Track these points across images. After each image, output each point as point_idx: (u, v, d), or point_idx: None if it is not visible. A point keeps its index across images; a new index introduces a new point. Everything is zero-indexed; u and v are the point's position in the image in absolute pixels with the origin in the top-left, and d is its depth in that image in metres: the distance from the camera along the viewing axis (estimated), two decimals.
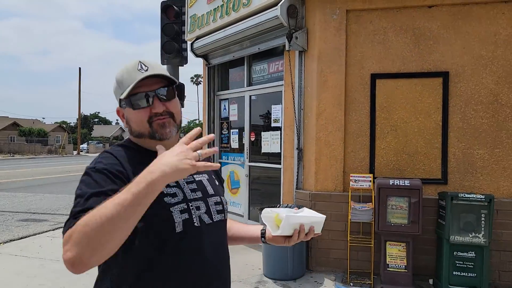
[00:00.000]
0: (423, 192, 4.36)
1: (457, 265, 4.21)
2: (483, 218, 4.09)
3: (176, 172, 0.97)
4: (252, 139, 6.30)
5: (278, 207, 1.52)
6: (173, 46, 8.66)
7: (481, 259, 4.15)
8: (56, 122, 63.17)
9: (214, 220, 1.30)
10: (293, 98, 5.22)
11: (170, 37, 8.68)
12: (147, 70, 1.22)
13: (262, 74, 6.21)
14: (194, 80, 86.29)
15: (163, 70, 1.27)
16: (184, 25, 8.27)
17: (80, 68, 43.21)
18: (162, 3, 8.69)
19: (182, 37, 8.78)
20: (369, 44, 4.85)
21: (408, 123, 4.79)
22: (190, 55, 7.41)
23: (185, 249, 1.20)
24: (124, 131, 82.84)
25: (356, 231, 4.76)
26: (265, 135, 6.04)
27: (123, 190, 0.97)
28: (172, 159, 0.99)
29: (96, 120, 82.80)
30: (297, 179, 5.23)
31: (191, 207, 1.24)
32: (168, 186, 1.21)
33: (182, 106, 6.01)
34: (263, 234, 1.49)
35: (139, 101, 1.22)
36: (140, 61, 1.24)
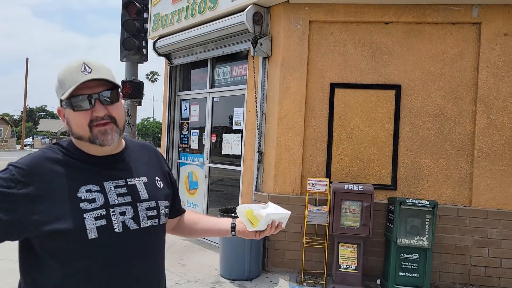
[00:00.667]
0: (375, 197, 4.63)
1: (403, 266, 4.51)
2: (427, 223, 4.42)
3: None
4: (213, 140, 6.35)
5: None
6: (133, 43, 8.51)
7: (424, 260, 4.48)
8: None
9: (142, 226, 1.25)
10: (256, 102, 5.34)
11: (131, 34, 8.53)
12: (90, 72, 1.18)
13: (225, 76, 6.29)
14: (150, 77, 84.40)
15: (108, 72, 1.23)
16: (146, 23, 8.18)
17: (27, 59, 40.95)
18: None
19: (143, 35, 8.66)
20: (330, 54, 5.09)
21: (363, 131, 5.07)
22: (151, 53, 7.34)
23: (100, 257, 1.17)
24: None
25: (311, 233, 4.96)
26: (226, 137, 6.12)
27: None
28: None
29: (42, 113, 78.63)
30: (256, 181, 5.36)
31: (112, 213, 1.20)
32: (89, 191, 1.19)
33: (140, 104, 6.01)
34: (233, 227, 1.56)
35: (80, 102, 1.18)
36: (84, 62, 1.19)
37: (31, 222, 1.11)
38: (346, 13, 4.98)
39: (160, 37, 6.82)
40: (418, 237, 4.44)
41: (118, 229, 1.20)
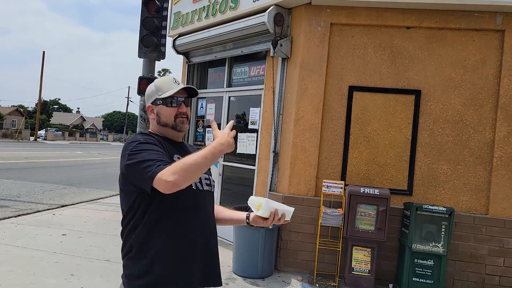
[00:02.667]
0: (390, 202, 4.62)
1: (417, 271, 4.50)
2: (443, 229, 4.40)
3: (228, 148, 1.59)
4: None
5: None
6: (151, 40, 8.59)
7: (438, 267, 4.46)
8: (13, 106, 60.14)
9: (204, 189, 1.79)
10: (273, 102, 5.36)
11: (150, 31, 8.61)
12: (179, 84, 1.81)
13: (243, 76, 6.32)
14: (161, 74, 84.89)
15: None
16: (165, 20, 8.25)
17: (44, 52, 41.52)
18: None
19: (162, 32, 8.74)
20: (350, 57, 5.08)
21: (380, 136, 5.06)
22: (170, 51, 7.41)
23: (184, 206, 1.68)
24: (85, 120, 80.00)
25: (325, 235, 4.97)
26: (241, 136, 6.14)
27: (204, 149, 1.55)
28: (228, 139, 1.60)
29: (56, 106, 79.54)
30: (271, 181, 5.38)
31: None
32: (178, 158, 1.67)
33: None
34: (247, 218, 1.94)
35: (173, 101, 1.78)
36: (174, 77, 1.84)
37: None
38: (367, 17, 4.97)
39: (180, 35, 6.88)
40: (433, 244, 4.42)
41: (193, 186, 1.73)
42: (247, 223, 1.94)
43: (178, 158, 1.66)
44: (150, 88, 1.82)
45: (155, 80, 1.83)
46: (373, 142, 5.07)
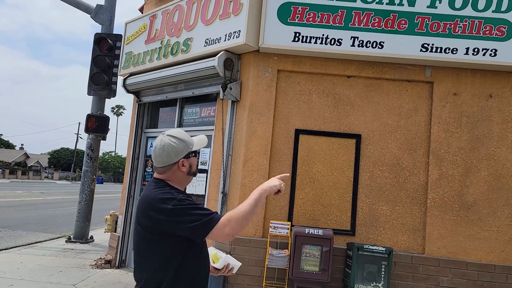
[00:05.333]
0: (334, 242, 4.75)
1: None
2: (383, 269, 4.56)
3: (272, 190, 1.94)
4: None
5: None
6: (102, 78, 8.59)
7: None
8: None
9: None
10: (223, 143, 5.45)
11: (101, 69, 8.62)
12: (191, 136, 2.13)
13: (194, 117, 6.40)
14: (115, 111, 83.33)
15: None
16: (117, 59, 8.29)
17: None
18: (95, 34, 8.68)
19: (113, 70, 8.74)
20: (296, 102, 5.34)
21: (325, 177, 5.25)
22: (120, 89, 7.39)
23: (205, 254, 1.99)
24: (29, 157, 75.62)
25: (271, 277, 4.96)
26: None
27: (250, 197, 1.88)
28: (274, 183, 1.97)
29: None
30: None
31: None
32: None
33: (104, 139, 6.08)
34: None
35: (197, 152, 2.09)
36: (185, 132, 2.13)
37: None
38: (312, 65, 5.30)
39: (131, 74, 6.91)
40: (374, 283, 4.55)
41: None
42: None
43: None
44: (180, 144, 1.97)
45: (176, 136, 1.98)
46: (318, 183, 5.25)
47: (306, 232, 4.65)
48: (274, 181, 1.96)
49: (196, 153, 2.05)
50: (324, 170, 5.26)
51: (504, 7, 4.96)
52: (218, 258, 2.09)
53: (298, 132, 5.31)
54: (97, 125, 8.69)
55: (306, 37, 5.08)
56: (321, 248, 4.60)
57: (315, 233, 4.64)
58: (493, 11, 4.97)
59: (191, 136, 2.08)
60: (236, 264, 2.14)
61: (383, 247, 4.62)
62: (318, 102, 5.32)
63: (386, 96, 5.28)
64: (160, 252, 1.86)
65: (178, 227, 1.81)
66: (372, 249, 4.56)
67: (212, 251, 2.14)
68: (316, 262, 4.61)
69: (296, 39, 5.09)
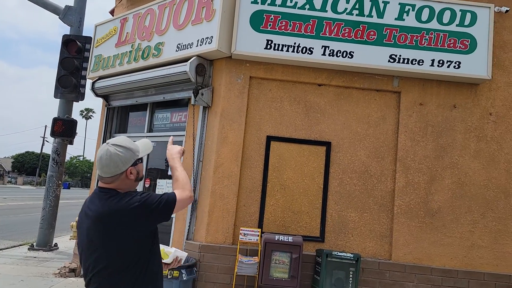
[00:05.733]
0: (304, 249, 4.78)
1: None
2: (351, 275, 4.62)
3: (181, 154, 2.24)
4: (147, 185, 6.23)
5: None
6: (70, 81, 8.35)
7: None
8: None
9: None
10: (193, 149, 5.40)
11: (68, 72, 8.39)
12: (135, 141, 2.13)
13: (164, 122, 6.32)
14: (84, 114, 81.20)
15: None
16: (86, 62, 8.08)
17: None
18: (64, 36, 8.44)
19: (82, 73, 8.51)
20: (267, 109, 5.36)
21: (295, 184, 5.29)
22: (89, 92, 7.21)
23: (159, 252, 2.10)
24: None
25: (240, 284, 4.93)
26: (160, 182, 6.04)
27: (176, 165, 2.14)
28: (176, 149, 2.22)
29: None
30: (188, 229, 5.29)
31: None
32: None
33: (71, 143, 5.91)
34: None
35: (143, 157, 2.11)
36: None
37: None
38: (283, 73, 5.34)
39: (100, 78, 6.75)
40: None
41: None
42: None
43: None
44: (126, 153, 1.97)
45: (122, 144, 1.97)
46: (289, 190, 5.28)
47: (276, 239, 4.66)
48: (175, 148, 2.21)
49: (141, 159, 2.07)
50: (294, 177, 5.30)
51: (467, 21, 5.17)
52: (166, 254, 2.23)
53: (269, 139, 5.33)
54: (63, 129, 8.43)
55: (278, 45, 5.12)
56: (291, 255, 4.62)
57: (285, 240, 4.65)
58: (457, 25, 5.17)
59: (135, 142, 2.11)
60: (183, 255, 2.34)
61: (351, 253, 4.68)
62: (289, 110, 5.37)
63: (355, 104, 5.38)
64: (126, 256, 1.89)
65: (156, 213, 1.92)
66: (341, 255, 4.62)
67: (163, 250, 2.26)
68: (286, 269, 4.62)
69: (268, 46, 5.13)
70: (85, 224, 1.96)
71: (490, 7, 5.21)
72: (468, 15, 5.18)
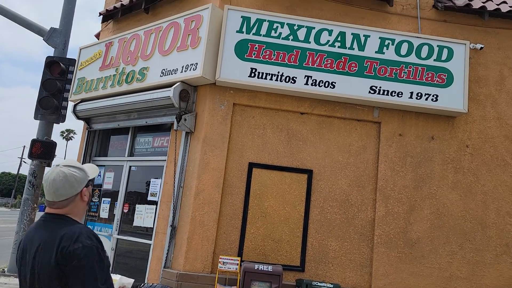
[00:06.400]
0: (284, 278, 4.71)
1: None
2: None
3: None
4: (126, 210, 6.10)
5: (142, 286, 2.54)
6: (51, 103, 8.22)
7: None
8: None
9: None
10: (174, 175, 5.35)
11: (50, 93, 8.27)
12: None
13: (146, 146, 6.27)
14: (64, 135, 79.87)
15: None
16: (69, 84, 8.02)
17: None
18: (47, 57, 8.37)
19: (64, 95, 8.42)
20: (250, 135, 5.39)
21: (276, 211, 5.26)
22: (71, 114, 7.13)
23: None
24: None
25: None
26: (139, 208, 5.92)
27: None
28: None
29: None
30: (166, 257, 5.17)
31: None
32: None
33: (49, 165, 5.80)
34: None
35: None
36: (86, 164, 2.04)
37: None
38: (267, 100, 5.40)
39: (82, 100, 6.70)
40: None
41: None
42: None
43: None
44: (80, 173, 1.90)
45: (74, 165, 1.90)
46: (270, 218, 5.24)
47: (256, 268, 4.58)
48: None
49: (92, 182, 2.08)
50: (276, 204, 5.28)
51: (444, 56, 5.38)
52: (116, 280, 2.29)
53: (251, 166, 5.33)
54: (42, 151, 8.23)
55: (262, 73, 5.20)
56: (270, 285, 4.54)
57: (265, 269, 4.58)
58: (434, 60, 5.37)
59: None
60: (129, 281, 2.37)
61: (331, 283, 4.64)
62: (272, 137, 5.40)
63: (337, 133, 5.46)
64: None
65: (74, 273, 1.66)
66: (321, 285, 4.57)
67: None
68: None
69: (253, 74, 5.20)
70: (30, 256, 1.76)
71: (465, 44, 5.44)
72: (445, 51, 5.39)
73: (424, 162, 5.41)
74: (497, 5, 5.73)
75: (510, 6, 5.74)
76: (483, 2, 5.75)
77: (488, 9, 5.61)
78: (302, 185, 5.35)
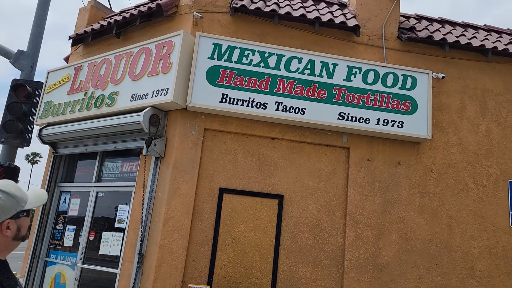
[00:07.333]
0: None
1: None
2: None
3: None
4: (91, 238, 5.88)
5: None
6: (16, 127, 7.95)
7: None
8: None
9: None
10: (143, 201, 5.23)
11: (15, 117, 8.01)
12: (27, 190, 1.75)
13: (114, 172, 6.12)
14: (29, 158, 77.03)
15: None
16: (35, 107, 7.82)
17: None
18: (13, 80, 8.15)
19: (30, 118, 8.18)
20: (221, 161, 5.37)
21: (247, 237, 5.21)
22: (36, 139, 6.92)
23: None
24: None
25: None
26: (106, 235, 5.73)
27: None
28: None
29: None
30: (133, 286, 4.98)
31: None
32: None
33: None
34: None
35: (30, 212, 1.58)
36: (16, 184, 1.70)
37: None
38: (238, 126, 5.43)
39: (49, 124, 6.52)
40: None
41: None
42: None
43: None
44: (7, 200, 1.55)
45: (4, 189, 1.59)
46: (240, 244, 5.18)
47: None
48: None
49: (28, 213, 1.65)
50: (247, 230, 5.23)
51: (408, 85, 5.60)
52: None
53: (222, 191, 5.28)
54: (4, 176, 7.87)
55: (233, 99, 5.25)
56: None
57: None
58: (399, 88, 5.58)
59: (28, 191, 1.72)
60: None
61: None
62: (243, 162, 5.40)
63: (307, 158, 5.52)
64: None
65: None
66: None
67: None
68: None
69: (224, 100, 5.23)
70: None
71: (428, 73, 5.69)
72: (409, 80, 5.61)
73: (392, 186, 5.53)
74: (457, 37, 6.07)
75: (468, 39, 6.09)
76: (444, 34, 6.07)
77: (448, 41, 5.93)
78: (273, 211, 5.34)
